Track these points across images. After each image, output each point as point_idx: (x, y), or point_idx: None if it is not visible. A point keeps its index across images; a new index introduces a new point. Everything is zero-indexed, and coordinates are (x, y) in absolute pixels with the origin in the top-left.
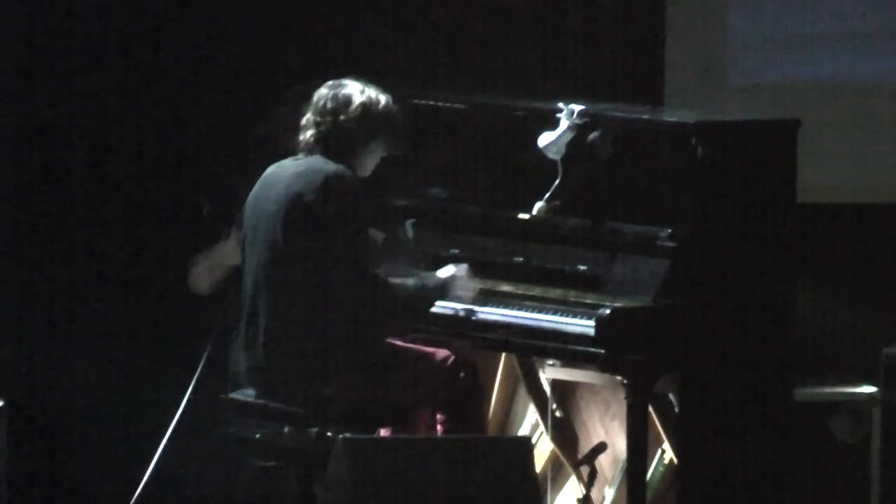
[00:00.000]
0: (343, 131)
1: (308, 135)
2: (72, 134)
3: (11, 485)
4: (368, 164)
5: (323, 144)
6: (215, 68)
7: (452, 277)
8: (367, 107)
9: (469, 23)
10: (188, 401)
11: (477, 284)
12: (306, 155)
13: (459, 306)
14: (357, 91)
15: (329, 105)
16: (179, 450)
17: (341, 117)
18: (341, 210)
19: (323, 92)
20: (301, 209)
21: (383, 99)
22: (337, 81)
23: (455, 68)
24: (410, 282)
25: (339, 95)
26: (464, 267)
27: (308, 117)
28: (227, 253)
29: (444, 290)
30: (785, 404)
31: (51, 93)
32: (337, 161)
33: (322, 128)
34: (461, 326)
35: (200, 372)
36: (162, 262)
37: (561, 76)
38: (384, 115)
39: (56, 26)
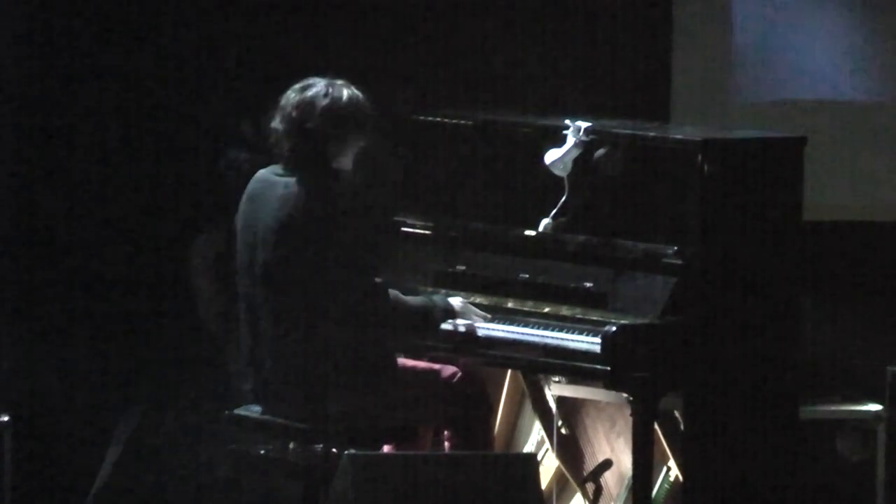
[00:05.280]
0: (312, 138)
1: (283, 146)
2: (72, 137)
3: (15, 498)
4: (346, 160)
5: (298, 155)
6: (218, 69)
7: (465, 305)
8: (330, 108)
9: (474, 39)
10: (193, 416)
11: (487, 315)
12: (286, 168)
13: (464, 322)
14: (320, 94)
15: (294, 113)
16: (182, 465)
17: (307, 125)
18: (331, 228)
19: (289, 96)
20: (292, 234)
21: (345, 94)
22: (302, 83)
23: (461, 85)
24: (418, 299)
25: (303, 102)
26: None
27: (277, 124)
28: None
29: (451, 313)
30: (790, 422)
31: (51, 93)
32: (315, 170)
33: (293, 137)
34: (467, 343)
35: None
36: (164, 270)
37: (567, 93)
38: (348, 111)
39: (56, 26)
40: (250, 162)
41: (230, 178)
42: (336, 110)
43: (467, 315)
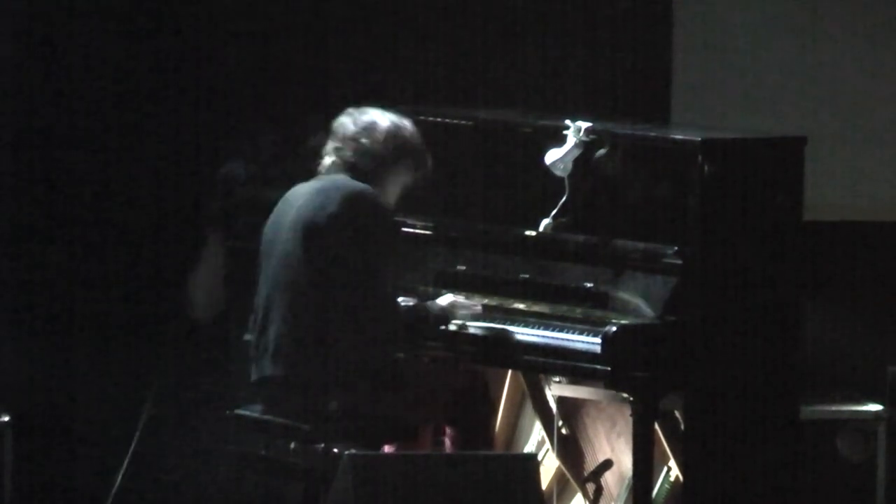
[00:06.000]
0: (368, 156)
1: (329, 160)
2: (72, 137)
3: (15, 498)
4: (392, 191)
5: (346, 168)
6: (217, 70)
7: (452, 304)
8: (393, 132)
9: (475, 39)
10: (192, 415)
11: (477, 304)
12: (328, 174)
13: (457, 322)
14: (380, 117)
15: (353, 130)
16: (183, 465)
17: (364, 141)
18: (362, 227)
19: (344, 119)
20: (322, 223)
21: (408, 124)
22: (358, 109)
23: (462, 85)
24: (411, 306)
25: (363, 121)
26: (459, 297)
27: (329, 144)
28: (215, 265)
29: (445, 316)
30: (790, 422)
31: (51, 93)
32: (363, 178)
33: (345, 152)
34: (467, 343)
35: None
36: (165, 270)
37: (568, 93)
38: (409, 140)
39: (56, 26)
40: (247, 175)
41: (227, 190)
42: (397, 134)
43: (459, 314)
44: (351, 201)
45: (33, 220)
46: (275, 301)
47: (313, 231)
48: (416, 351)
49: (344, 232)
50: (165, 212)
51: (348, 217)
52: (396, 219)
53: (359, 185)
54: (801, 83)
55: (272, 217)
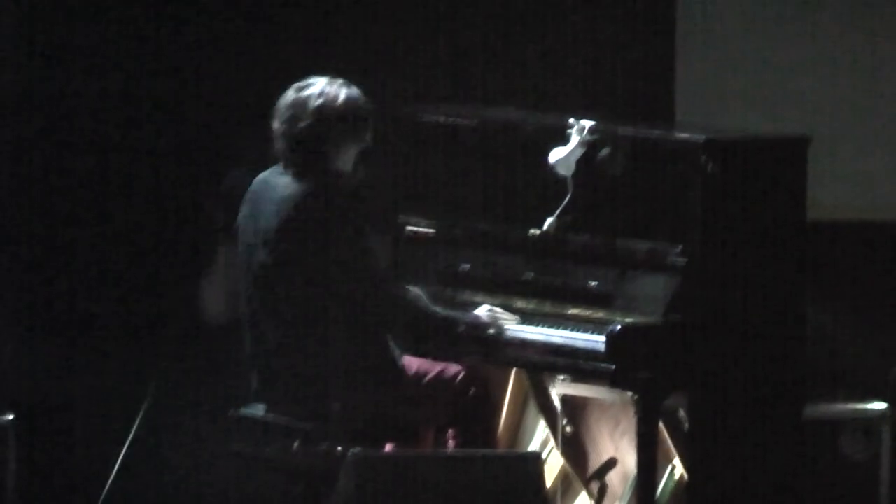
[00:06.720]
0: (304, 138)
1: (280, 144)
2: (73, 136)
3: (19, 498)
4: (345, 161)
5: (292, 154)
6: (218, 69)
7: (490, 312)
8: (322, 109)
9: (476, 39)
10: (194, 416)
11: (512, 316)
12: (284, 166)
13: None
14: (315, 93)
15: (287, 112)
16: (187, 465)
17: (300, 124)
18: (328, 229)
19: (286, 95)
20: (290, 235)
21: (343, 94)
22: (302, 83)
23: (464, 85)
24: (444, 312)
25: (298, 100)
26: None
27: (274, 124)
28: (226, 272)
29: (481, 325)
30: (794, 421)
31: (51, 93)
32: (311, 171)
33: (287, 136)
34: (469, 342)
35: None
36: (167, 270)
37: (571, 92)
38: (343, 112)
39: (57, 28)
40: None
41: (233, 198)
42: (329, 111)
43: (495, 324)
44: (307, 210)
45: (34, 220)
46: (266, 310)
47: (285, 246)
48: (418, 351)
49: (312, 240)
50: (167, 213)
51: (304, 226)
52: (357, 202)
53: (301, 191)
54: (803, 83)
55: (242, 220)
